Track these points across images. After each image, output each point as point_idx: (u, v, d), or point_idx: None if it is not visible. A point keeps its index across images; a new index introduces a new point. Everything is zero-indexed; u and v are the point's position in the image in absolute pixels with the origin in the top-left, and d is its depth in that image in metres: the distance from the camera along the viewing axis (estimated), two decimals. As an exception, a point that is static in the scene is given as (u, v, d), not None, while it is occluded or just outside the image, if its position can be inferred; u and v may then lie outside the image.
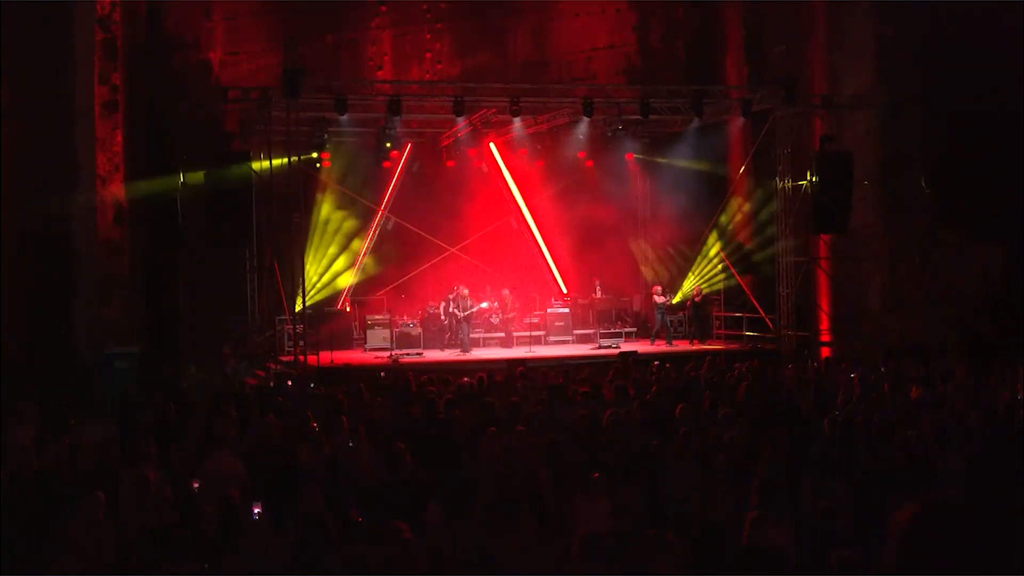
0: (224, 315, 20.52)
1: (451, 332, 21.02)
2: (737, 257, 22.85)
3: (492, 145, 23.15)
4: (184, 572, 6.22)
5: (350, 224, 22.67)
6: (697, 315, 22.15)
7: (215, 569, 6.23)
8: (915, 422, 10.09)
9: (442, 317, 21.16)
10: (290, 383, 15.67)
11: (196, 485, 8.32)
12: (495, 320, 21.74)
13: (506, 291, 21.82)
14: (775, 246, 21.26)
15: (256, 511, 6.34)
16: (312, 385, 15.39)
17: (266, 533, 6.81)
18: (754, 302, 21.78)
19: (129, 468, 8.24)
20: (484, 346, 21.12)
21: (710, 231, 22.75)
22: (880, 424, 9.97)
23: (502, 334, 21.57)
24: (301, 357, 18.02)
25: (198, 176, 18.99)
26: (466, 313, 20.38)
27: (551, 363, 17.35)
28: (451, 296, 21.09)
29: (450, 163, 22.84)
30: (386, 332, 20.66)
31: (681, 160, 22.58)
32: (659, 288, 22.21)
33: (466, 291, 20.76)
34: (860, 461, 8.57)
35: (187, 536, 6.54)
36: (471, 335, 20.69)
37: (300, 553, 6.65)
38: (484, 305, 21.44)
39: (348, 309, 22.35)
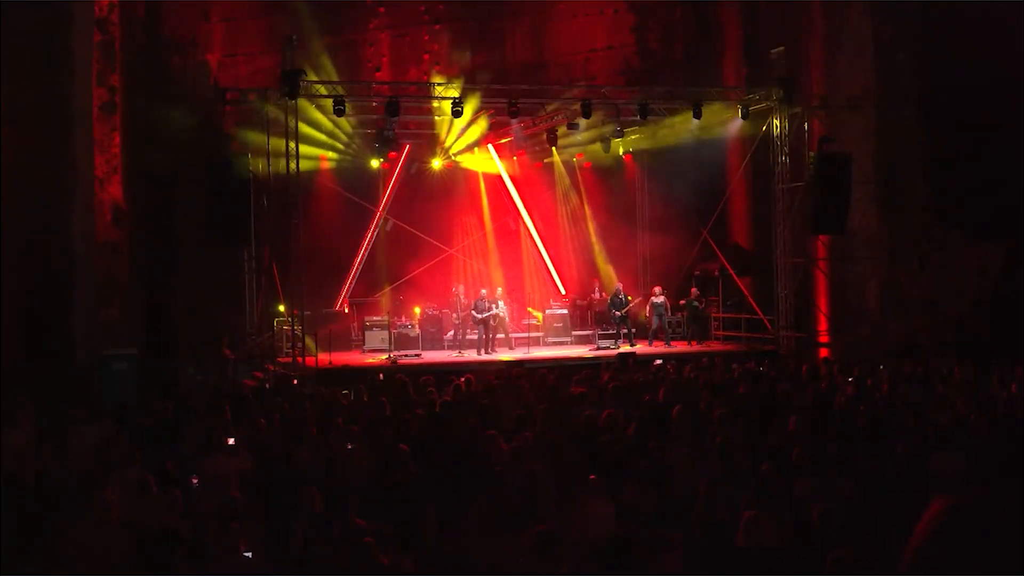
0: (223, 317, 20.49)
1: (460, 332, 20.77)
2: (736, 258, 22.84)
3: (490, 146, 23.14)
4: (182, 573, 6.20)
5: None
6: (695, 316, 22.12)
7: (213, 571, 6.22)
8: (913, 422, 10.09)
9: (454, 317, 20.95)
10: (296, 381, 15.67)
11: (194, 486, 8.32)
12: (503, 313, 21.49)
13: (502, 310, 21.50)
14: (773, 247, 21.25)
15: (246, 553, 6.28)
16: (312, 387, 15.38)
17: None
18: (752, 303, 21.77)
19: (127, 470, 8.23)
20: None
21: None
22: (878, 424, 9.98)
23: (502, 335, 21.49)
24: (300, 359, 18.01)
25: None
26: (484, 316, 20.09)
27: (549, 364, 17.32)
28: (454, 295, 20.99)
29: (448, 164, 22.83)
30: (384, 334, 20.61)
31: (679, 161, 22.54)
32: (657, 288, 22.14)
33: (484, 291, 20.49)
34: (858, 461, 8.57)
35: (184, 538, 6.51)
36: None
37: (299, 554, 6.64)
38: (501, 311, 21.08)
39: (346, 311, 22.32)
